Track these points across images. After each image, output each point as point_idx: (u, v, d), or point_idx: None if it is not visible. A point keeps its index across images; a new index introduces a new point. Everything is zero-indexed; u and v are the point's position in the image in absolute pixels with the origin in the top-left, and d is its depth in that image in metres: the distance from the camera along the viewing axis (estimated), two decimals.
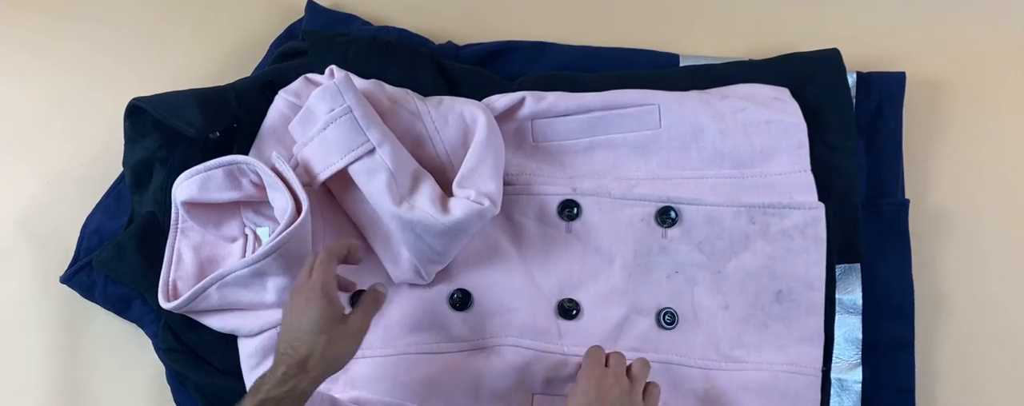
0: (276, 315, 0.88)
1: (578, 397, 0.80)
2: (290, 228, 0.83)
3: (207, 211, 0.91)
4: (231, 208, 0.92)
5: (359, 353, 0.89)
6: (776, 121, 0.93)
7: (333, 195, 0.92)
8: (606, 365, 0.83)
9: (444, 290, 0.90)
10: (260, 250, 0.84)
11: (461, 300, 0.90)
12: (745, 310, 0.91)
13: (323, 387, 0.87)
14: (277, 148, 0.91)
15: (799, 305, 0.91)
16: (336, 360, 0.77)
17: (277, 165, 0.86)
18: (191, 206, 0.89)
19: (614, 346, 0.89)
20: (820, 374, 0.90)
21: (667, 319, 0.91)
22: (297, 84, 0.93)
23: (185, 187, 0.88)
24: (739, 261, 0.91)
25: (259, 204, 0.92)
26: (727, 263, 0.91)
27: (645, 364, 0.84)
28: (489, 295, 0.90)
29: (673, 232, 0.91)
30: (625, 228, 0.91)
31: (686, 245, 0.91)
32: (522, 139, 0.95)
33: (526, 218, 0.92)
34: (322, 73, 0.94)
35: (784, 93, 0.96)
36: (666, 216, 0.91)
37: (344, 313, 0.77)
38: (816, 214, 0.91)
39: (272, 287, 0.86)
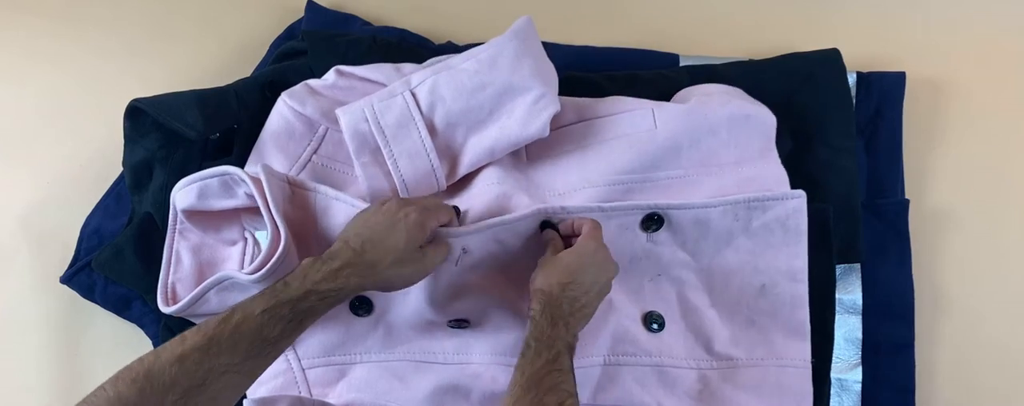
0: None
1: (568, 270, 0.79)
2: (273, 259, 0.80)
3: (207, 217, 0.91)
4: (230, 213, 0.92)
5: (359, 358, 0.90)
6: (754, 116, 0.92)
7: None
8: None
9: (442, 319, 0.89)
10: (257, 274, 0.81)
11: (458, 325, 0.90)
12: (731, 307, 0.91)
13: (319, 393, 0.88)
14: (278, 156, 0.91)
15: (783, 298, 0.90)
16: (397, 278, 0.77)
17: (263, 181, 0.83)
18: (191, 213, 0.89)
19: (606, 354, 0.89)
20: (810, 366, 0.89)
21: (654, 323, 0.90)
22: (300, 90, 0.92)
23: (184, 195, 0.87)
24: (722, 258, 0.90)
25: (257, 210, 0.91)
26: (710, 260, 0.91)
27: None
28: (484, 320, 0.89)
29: (658, 235, 0.90)
30: (611, 237, 0.89)
31: (670, 246, 0.90)
32: (516, 154, 0.94)
33: (517, 241, 0.88)
34: (322, 75, 0.94)
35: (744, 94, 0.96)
36: (651, 221, 0.90)
37: (421, 246, 0.78)
38: (797, 204, 0.89)
39: None
